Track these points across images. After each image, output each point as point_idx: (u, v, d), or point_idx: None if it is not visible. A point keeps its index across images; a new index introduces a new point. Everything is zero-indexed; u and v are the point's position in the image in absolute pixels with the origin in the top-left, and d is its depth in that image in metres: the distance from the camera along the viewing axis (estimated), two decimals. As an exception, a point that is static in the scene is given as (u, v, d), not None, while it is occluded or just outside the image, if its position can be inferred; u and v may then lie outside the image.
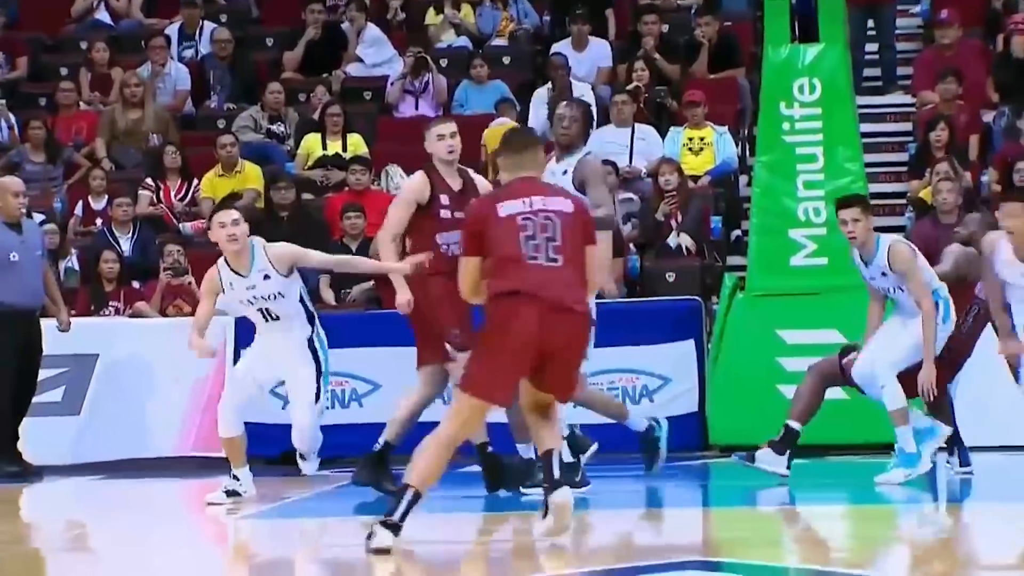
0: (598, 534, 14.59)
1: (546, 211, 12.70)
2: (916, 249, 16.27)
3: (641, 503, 16.39)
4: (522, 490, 16.14)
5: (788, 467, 16.35)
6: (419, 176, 15.98)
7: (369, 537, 12.61)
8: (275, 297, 15.53)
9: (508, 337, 12.63)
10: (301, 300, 15.60)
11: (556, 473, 12.90)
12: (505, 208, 12.69)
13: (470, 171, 16.19)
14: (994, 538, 14.65)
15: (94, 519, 17.08)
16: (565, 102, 17.11)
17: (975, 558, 13.80)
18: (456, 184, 15.69)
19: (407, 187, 16.19)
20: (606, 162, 18.91)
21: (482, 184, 16.10)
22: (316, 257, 15.70)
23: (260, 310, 15.61)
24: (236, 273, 15.45)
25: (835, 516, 15.37)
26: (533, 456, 15.90)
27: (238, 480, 16.13)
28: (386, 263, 15.54)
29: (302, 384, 15.71)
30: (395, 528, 12.41)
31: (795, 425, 16.52)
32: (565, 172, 15.93)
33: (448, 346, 15.38)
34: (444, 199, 15.63)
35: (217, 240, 15.53)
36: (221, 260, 15.57)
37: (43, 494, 18.49)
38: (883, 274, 16.12)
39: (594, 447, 16.48)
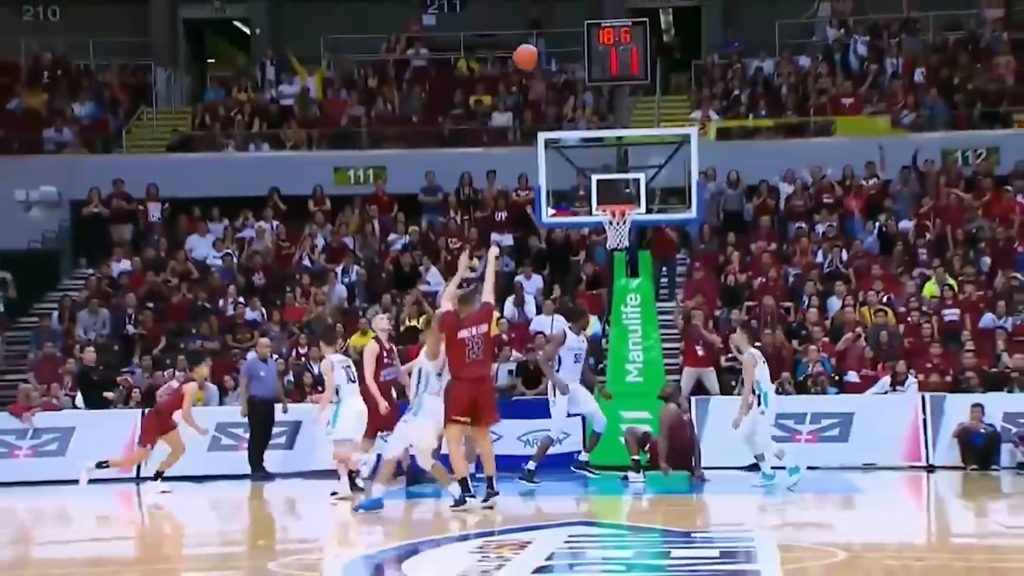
0: (521, 506, 14.45)
1: (477, 335, 13.12)
2: (758, 357, 15.67)
3: (553, 492, 16.27)
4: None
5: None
6: (374, 343, 15.61)
7: (459, 504, 13.10)
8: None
9: (461, 395, 13.13)
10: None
11: (495, 487, 13.29)
12: (462, 334, 13.14)
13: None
14: (723, 508, 14.66)
15: (301, 494, 16.99)
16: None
17: (713, 518, 13.78)
18: (388, 347, 15.64)
19: (371, 351, 15.40)
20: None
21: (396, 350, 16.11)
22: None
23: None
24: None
25: (664, 500, 15.31)
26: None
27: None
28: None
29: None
30: (465, 499, 13.08)
31: (636, 458, 16.53)
32: (583, 340, 16.23)
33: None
34: (385, 354, 15.55)
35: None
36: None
37: (276, 487, 18.38)
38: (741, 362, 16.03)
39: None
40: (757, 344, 16.85)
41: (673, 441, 16.60)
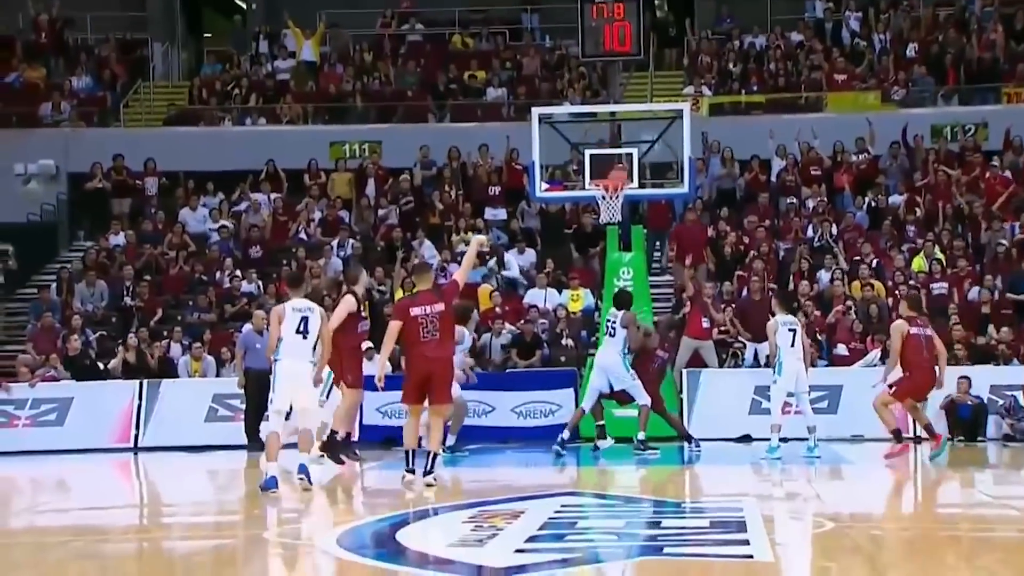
0: (514, 476, 14.39)
1: (432, 314, 12.60)
2: (780, 324, 15.49)
3: (544, 463, 16.24)
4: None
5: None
6: (351, 296, 14.42)
7: (404, 477, 12.61)
8: None
9: (414, 373, 12.68)
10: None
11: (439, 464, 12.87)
12: (414, 311, 12.60)
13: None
14: (713, 479, 14.65)
15: (296, 464, 16.86)
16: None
17: (703, 489, 13.79)
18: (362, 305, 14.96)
19: (347, 302, 14.26)
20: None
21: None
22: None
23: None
24: None
25: (656, 471, 15.30)
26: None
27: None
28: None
29: None
30: (412, 471, 12.63)
31: (601, 423, 16.54)
32: (616, 318, 16.17)
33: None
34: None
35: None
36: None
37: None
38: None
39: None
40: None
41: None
